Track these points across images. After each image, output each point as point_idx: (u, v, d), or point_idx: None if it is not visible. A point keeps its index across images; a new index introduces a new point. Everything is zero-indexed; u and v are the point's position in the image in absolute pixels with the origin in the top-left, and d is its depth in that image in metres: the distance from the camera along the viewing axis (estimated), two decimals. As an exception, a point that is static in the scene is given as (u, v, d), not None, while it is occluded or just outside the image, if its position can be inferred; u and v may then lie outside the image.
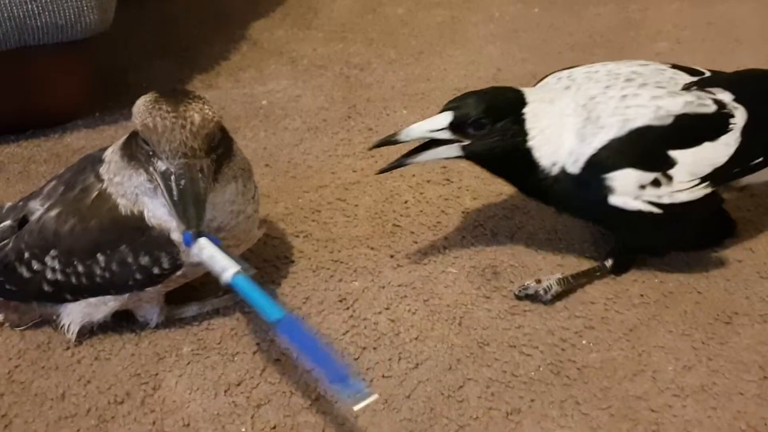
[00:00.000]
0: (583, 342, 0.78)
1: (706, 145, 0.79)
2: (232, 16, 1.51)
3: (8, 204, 0.81)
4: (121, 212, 0.72)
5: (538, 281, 0.83)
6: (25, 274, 0.75)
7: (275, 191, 1.01)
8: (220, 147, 0.70)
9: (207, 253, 0.67)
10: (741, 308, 0.82)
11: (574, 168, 0.78)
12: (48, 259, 0.74)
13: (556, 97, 0.81)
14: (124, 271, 0.74)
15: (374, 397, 0.62)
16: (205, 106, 0.68)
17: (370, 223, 0.95)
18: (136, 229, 0.73)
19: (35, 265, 0.74)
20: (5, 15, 0.96)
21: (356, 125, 1.15)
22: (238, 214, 0.75)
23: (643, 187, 0.77)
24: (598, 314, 0.81)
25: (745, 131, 0.80)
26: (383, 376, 0.75)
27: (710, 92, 0.81)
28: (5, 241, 0.76)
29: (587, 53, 1.32)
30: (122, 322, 0.80)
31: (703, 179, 0.79)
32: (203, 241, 0.67)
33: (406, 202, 0.99)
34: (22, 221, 0.77)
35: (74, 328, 0.77)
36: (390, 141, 0.80)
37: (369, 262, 0.89)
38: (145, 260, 0.73)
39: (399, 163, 0.82)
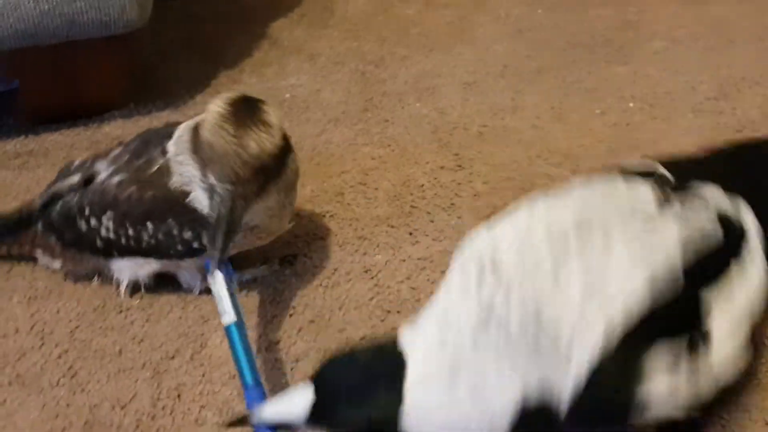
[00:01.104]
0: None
1: (734, 269, 0.57)
2: (253, 15, 1.59)
3: (77, 161, 0.91)
4: (175, 188, 0.80)
5: None
6: (83, 227, 0.84)
7: (302, 176, 1.07)
8: (272, 171, 0.76)
9: (216, 289, 0.75)
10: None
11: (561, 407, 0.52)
12: (104, 219, 0.83)
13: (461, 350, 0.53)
14: (168, 241, 0.82)
15: None
16: (268, 135, 0.74)
17: (389, 204, 1.04)
18: (184, 206, 0.81)
19: (93, 222, 0.84)
20: (56, 12, 1.05)
21: (373, 117, 1.24)
22: (273, 216, 0.83)
23: (676, 362, 0.53)
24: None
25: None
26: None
27: (696, 194, 0.59)
28: (71, 194, 0.86)
29: (588, 51, 1.40)
30: (169, 287, 0.88)
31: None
32: (218, 277, 0.74)
33: (422, 186, 1.07)
34: (88, 179, 0.86)
35: (124, 283, 0.86)
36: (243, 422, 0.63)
37: (390, 239, 0.98)
38: (187, 235, 0.82)
39: None
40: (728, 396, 0.59)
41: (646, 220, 0.55)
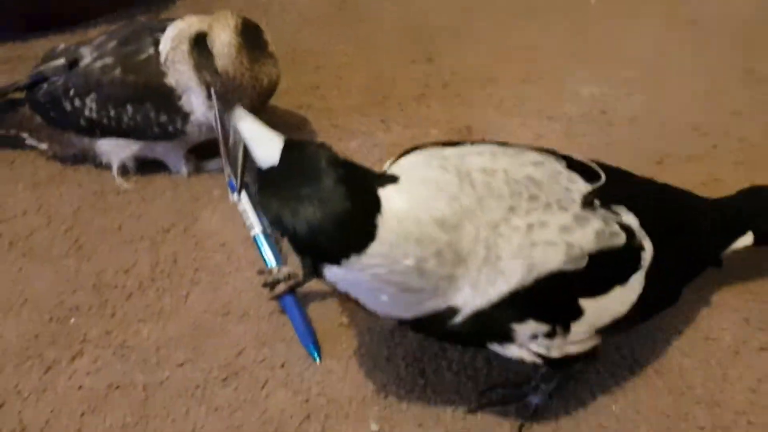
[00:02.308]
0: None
1: (617, 290, 0.63)
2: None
3: (62, 45, 0.98)
4: (160, 81, 0.88)
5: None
6: (68, 107, 0.92)
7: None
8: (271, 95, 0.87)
9: (242, 206, 0.87)
10: (671, 151, 0.99)
11: (458, 317, 0.59)
12: (88, 100, 0.90)
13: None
14: (145, 123, 0.90)
15: (318, 361, 0.75)
16: (274, 68, 0.84)
17: (362, 95, 1.11)
18: (164, 96, 0.89)
19: (77, 102, 0.91)
20: None
21: (347, 16, 1.30)
22: None
23: (534, 336, 0.61)
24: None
25: (650, 271, 0.64)
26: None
27: (616, 213, 0.63)
28: (56, 77, 0.93)
29: None
30: (160, 171, 0.97)
31: (598, 331, 0.64)
32: (243, 196, 0.86)
33: (393, 78, 1.15)
34: (72, 63, 0.93)
35: (114, 165, 0.95)
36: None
37: (363, 126, 1.05)
38: (163, 118, 0.90)
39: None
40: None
41: (576, 210, 0.62)
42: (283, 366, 0.75)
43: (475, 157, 0.63)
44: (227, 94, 0.82)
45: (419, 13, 1.31)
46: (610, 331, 0.64)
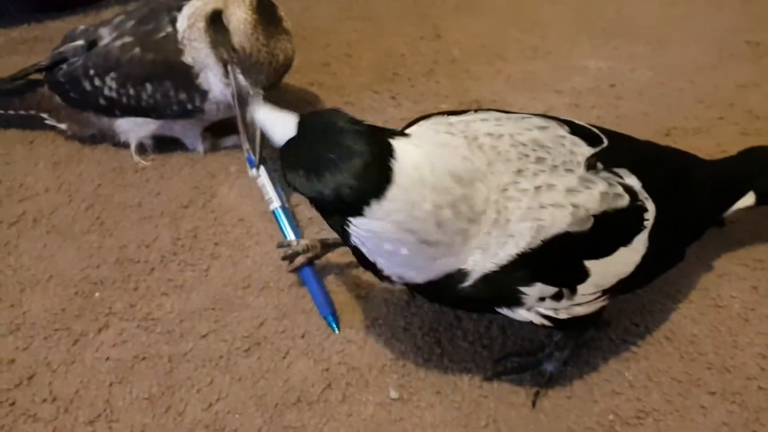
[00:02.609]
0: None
1: (621, 251, 0.65)
2: None
3: (81, 27, 0.99)
4: (178, 59, 0.89)
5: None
6: (87, 87, 0.93)
7: (291, 50, 1.17)
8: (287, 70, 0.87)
9: (261, 181, 0.89)
10: (678, 124, 1.01)
11: (468, 281, 0.61)
12: (107, 79, 0.92)
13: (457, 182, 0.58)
14: (164, 101, 0.92)
15: (337, 331, 0.77)
16: (289, 43, 0.85)
17: (372, 72, 1.13)
18: (183, 73, 0.90)
19: (96, 82, 0.93)
20: None
21: (356, -7, 1.31)
22: None
23: (542, 299, 0.62)
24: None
25: (653, 232, 0.66)
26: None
27: (618, 175, 0.65)
28: (76, 58, 0.95)
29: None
30: (177, 149, 0.98)
31: (605, 291, 0.65)
32: (262, 171, 0.88)
33: (402, 54, 1.16)
34: (91, 43, 0.94)
35: (133, 144, 0.96)
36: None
37: (374, 103, 1.07)
38: (182, 96, 0.91)
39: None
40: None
41: (581, 173, 0.63)
42: (303, 336, 0.77)
43: (480, 123, 0.64)
44: (245, 71, 0.83)
45: (426, -12, 1.32)
46: (615, 291, 0.66)
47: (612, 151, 0.66)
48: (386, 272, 0.62)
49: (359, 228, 0.58)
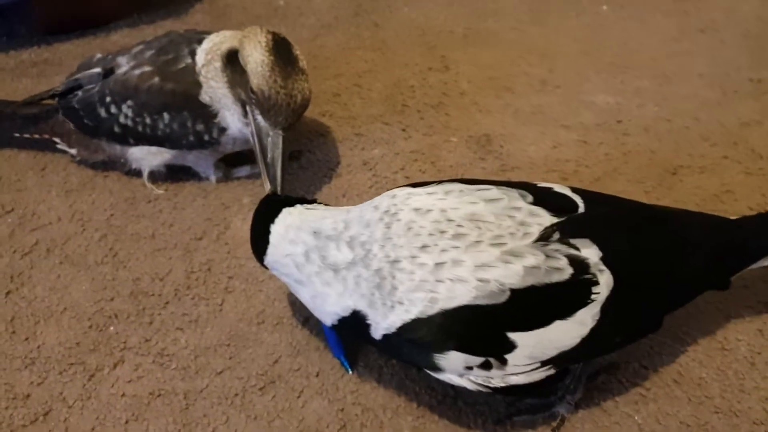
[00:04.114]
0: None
1: (557, 324, 0.64)
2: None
3: (99, 55, 1.00)
4: (197, 92, 0.90)
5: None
6: (103, 114, 0.94)
7: (301, 78, 1.18)
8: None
9: None
10: (684, 162, 1.02)
11: (375, 334, 0.67)
12: (124, 107, 0.92)
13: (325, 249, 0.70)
14: (181, 131, 0.92)
15: (350, 372, 0.78)
16: (306, 83, 0.86)
17: (383, 103, 1.14)
18: (201, 105, 0.91)
19: (112, 109, 0.93)
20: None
21: (364, 21, 1.32)
22: None
23: (469, 368, 0.65)
24: (569, 169, 1.01)
25: (608, 305, 0.65)
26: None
27: (572, 246, 0.65)
28: (92, 85, 0.95)
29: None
30: (190, 179, 0.99)
31: (545, 363, 0.66)
32: None
33: (412, 86, 1.17)
34: (109, 71, 0.95)
35: (145, 172, 0.97)
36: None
37: (384, 134, 1.08)
38: (200, 127, 0.92)
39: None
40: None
41: (515, 245, 0.65)
42: (317, 375, 0.78)
43: (421, 198, 0.69)
44: (263, 113, 0.84)
45: (433, 16, 1.33)
46: (561, 361, 0.67)
47: (581, 219, 0.68)
48: (308, 306, 0.74)
49: (286, 279, 0.74)
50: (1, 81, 1.18)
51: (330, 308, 0.70)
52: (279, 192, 0.85)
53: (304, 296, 0.73)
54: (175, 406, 0.76)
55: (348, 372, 0.78)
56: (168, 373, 0.78)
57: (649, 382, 0.78)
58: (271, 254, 0.74)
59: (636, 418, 0.75)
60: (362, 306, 0.67)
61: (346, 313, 0.68)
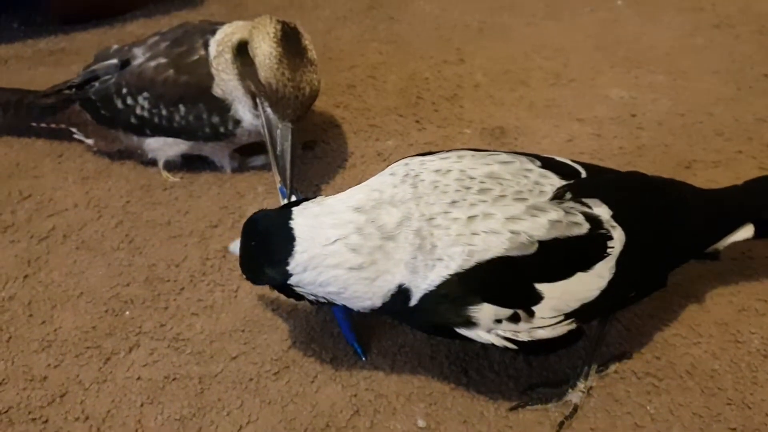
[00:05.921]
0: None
1: (580, 276, 0.67)
2: None
3: (115, 46, 1.01)
4: (210, 84, 0.90)
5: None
6: (119, 105, 0.95)
7: (315, 70, 1.19)
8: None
9: None
10: (698, 157, 1.02)
11: (413, 300, 0.66)
12: (140, 98, 0.93)
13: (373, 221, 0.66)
14: (197, 123, 0.93)
15: (364, 358, 0.78)
16: (315, 74, 0.85)
17: (397, 95, 1.14)
18: (215, 98, 0.92)
19: (129, 100, 0.94)
20: None
21: (379, 14, 1.33)
22: None
23: (498, 321, 0.66)
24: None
25: (622, 259, 0.68)
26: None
27: (585, 204, 0.68)
28: (109, 76, 0.96)
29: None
30: (205, 168, 1.00)
31: (568, 315, 0.67)
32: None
33: (426, 78, 1.18)
34: (125, 62, 0.96)
35: (161, 162, 0.98)
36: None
37: (399, 126, 1.08)
38: (215, 119, 0.92)
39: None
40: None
41: (535, 201, 0.67)
42: (331, 361, 0.79)
43: (436, 162, 0.71)
44: (272, 105, 0.84)
45: (449, 9, 1.33)
46: (582, 315, 0.68)
47: (587, 183, 0.71)
48: (355, 309, 0.68)
49: (303, 288, 0.67)
50: (19, 70, 1.19)
51: (388, 286, 0.66)
52: (289, 183, 0.85)
53: (359, 287, 0.66)
54: (190, 390, 0.76)
55: (361, 358, 0.78)
56: (183, 358, 0.79)
57: (662, 373, 0.78)
58: (306, 250, 0.65)
59: (648, 408, 0.75)
60: (405, 276, 0.65)
61: (396, 290, 0.66)
